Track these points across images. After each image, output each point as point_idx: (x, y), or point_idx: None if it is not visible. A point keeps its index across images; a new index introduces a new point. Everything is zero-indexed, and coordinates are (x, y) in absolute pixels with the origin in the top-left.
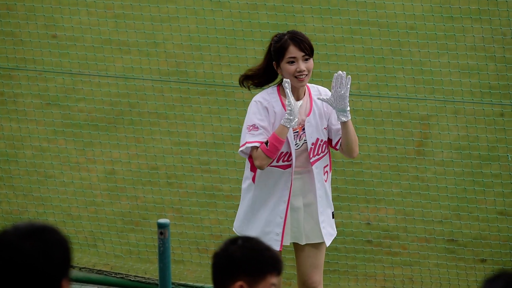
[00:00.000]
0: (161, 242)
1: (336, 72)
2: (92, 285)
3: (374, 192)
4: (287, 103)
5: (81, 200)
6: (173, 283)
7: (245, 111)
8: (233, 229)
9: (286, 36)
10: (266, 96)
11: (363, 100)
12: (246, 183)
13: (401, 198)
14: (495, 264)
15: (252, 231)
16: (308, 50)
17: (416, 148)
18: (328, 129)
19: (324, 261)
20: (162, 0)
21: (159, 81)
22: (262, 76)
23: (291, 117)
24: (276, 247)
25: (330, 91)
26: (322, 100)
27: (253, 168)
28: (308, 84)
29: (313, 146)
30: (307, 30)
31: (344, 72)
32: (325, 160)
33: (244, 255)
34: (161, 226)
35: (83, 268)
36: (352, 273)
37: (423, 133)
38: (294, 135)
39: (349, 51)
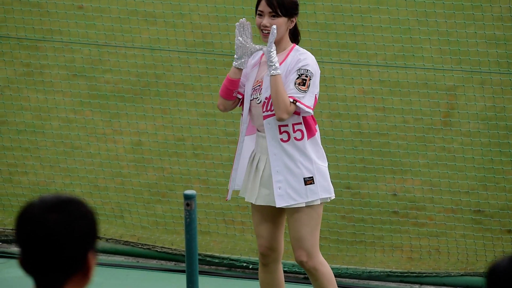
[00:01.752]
0: (188, 213)
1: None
2: (119, 256)
3: (401, 163)
4: (236, 42)
5: (107, 172)
6: (199, 254)
7: None
8: None
9: None
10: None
11: (389, 71)
12: None
13: (428, 169)
14: None
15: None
16: (275, 8)
17: (443, 119)
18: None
19: (351, 232)
20: None
21: (185, 52)
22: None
23: (236, 56)
24: (228, 196)
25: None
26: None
27: None
28: (298, 47)
29: (266, 100)
30: (333, 0)
31: (275, 27)
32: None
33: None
34: (188, 197)
35: (110, 239)
36: (379, 244)
37: (449, 104)
38: (256, 88)
39: (375, 21)
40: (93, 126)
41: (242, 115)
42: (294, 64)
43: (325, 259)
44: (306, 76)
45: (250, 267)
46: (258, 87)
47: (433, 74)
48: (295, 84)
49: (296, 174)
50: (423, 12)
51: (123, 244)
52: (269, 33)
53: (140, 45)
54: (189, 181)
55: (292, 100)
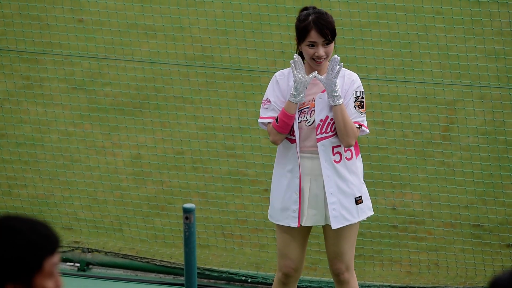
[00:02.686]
0: (187, 226)
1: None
2: (118, 269)
3: (400, 177)
4: (293, 78)
5: (107, 185)
6: (198, 268)
7: None
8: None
9: (310, 18)
10: (285, 71)
11: (389, 85)
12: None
13: (427, 183)
14: None
15: (274, 209)
16: (329, 36)
17: (442, 133)
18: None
19: None
20: None
21: (185, 65)
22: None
23: (295, 93)
24: (294, 224)
25: (352, 74)
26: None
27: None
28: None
29: (321, 123)
30: (333, 14)
31: (339, 57)
32: (337, 141)
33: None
34: (187, 211)
35: (108, 252)
36: (378, 258)
37: (449, 118)
38: (305, 110)
39: (375, 36)
40: (93, 139)
41: (288, 141)
42: (348, 86)
43: (324, 273)
44: (363, 98)
45: (249, 280)
46: (307, 109)
47: (432, 88)
48: (355, 107)
49: (348, 194)
50: (423, 26)
51: (122, 257)
52: (323, 61)
53: (140, 58)
54: (188, 194)
55: (357, 126)
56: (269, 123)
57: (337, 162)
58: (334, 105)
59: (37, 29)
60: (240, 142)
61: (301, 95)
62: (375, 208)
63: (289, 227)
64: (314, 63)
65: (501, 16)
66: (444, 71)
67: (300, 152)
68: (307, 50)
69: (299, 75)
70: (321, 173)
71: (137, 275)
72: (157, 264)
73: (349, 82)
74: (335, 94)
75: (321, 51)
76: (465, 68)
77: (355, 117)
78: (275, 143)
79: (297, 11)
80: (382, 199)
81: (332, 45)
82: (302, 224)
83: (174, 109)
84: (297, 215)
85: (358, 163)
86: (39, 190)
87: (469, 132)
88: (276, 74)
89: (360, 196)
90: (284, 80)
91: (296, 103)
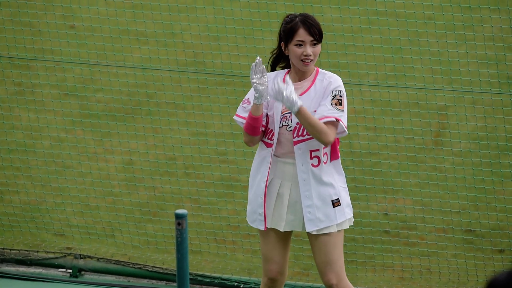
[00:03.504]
0: (179, 232)
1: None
2: (110, 275)
3: (392, 183)
4: (255, 81)
5: (99, 191)
6: (190, 274)
7: None
8: None
9: (297, 19)
10: (271, 74)
11: (381, 91)
12: None
13: (419, 188)
14: None
15: (247, 210)
16: (317, 35)
17: (434, 139)
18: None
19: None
20: None
21: (176, 71)
22: (281, 57)
23: (257, 95)
24: (260, 227)
25: (336, 79)
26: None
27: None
28: (322, 70)
29: (297, 126)
30: (324, 20)
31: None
32: (315, 145)
33: None
34: (179, 217)
35: (101, 258)
36: (370, 263)
37: (440, 123)
38: (286, 115)
39: (367, 41)
40: (85, 145)
41: (264, 144)
42: (326, 86)
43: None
44: (341, 97)
45: (242, 286)
46: (289, 114)
47: (424, 94)
48: (331, 104)
49: (325, 197)
50: (415, 32)
51: (114, 263)
52: (310, 61)
53: (132, 65)
54: (180, 200)
55: (334, 119)
56: (242, 123)
57: (314, 166)
58: (295, 113)
59: (29, 36)
60: (232, 148)
61: (262, 96)
62: (367, 214)
63: (270, 231)
64: (301, 65)
65: (493, 22)
66: (436, 77)
67: (280, 157)
68: (295, 51)
69: (255, 80)
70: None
71: (129, 281)
72: (149, 270)
73: (326, 83)
74: (288, 102)
75: (309, 50)
76: (457, 73)
77: (332, 113)
78: (247, 144)
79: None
80: (374, 204)
81: (319, 47)
82: (281, 230)
83: (166, 115)
84: (263, 218)
85: (334, 167)
86: (31, 196)
87: (461, 137)
88: None
89: (338, 198)
90: (268, 83)
91: (258, 105)
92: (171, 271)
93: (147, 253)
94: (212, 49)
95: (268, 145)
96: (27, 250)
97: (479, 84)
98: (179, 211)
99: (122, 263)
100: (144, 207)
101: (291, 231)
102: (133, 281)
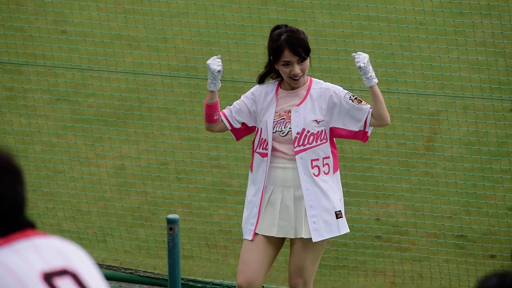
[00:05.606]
0: (171, 237)
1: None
2: None
3: (384, 188)
4: (210, 61)
5: (90, 196)
6: (182, 279)
7: None
8: None
9: (282, 37)
10: (264, 85)
11: None
12: None
13: (411, 193)
14: (504, 260)
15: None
16: (302, 53)
17: (426, 144)
18: (337, 122)
19: (334, 257)
20: None
21: (168, 76)
22: (272, 70)
23: (209, 80)
24: (248, 236)
25: (333, 84)
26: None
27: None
28: (316, 79)
29: (298, 136)
30: (316, 25)
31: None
32: (315, 154)
33: None
34: (171, 222)
35: None
36: (362, 268)
37: (432, 128)
38: (280, 121)
39: (358, 46)
40: (76, 150)
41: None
42: (323, 96)
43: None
44: (354, 95)
45: None
46: (282, 120)
47: (416, 99)
48: (358, 105)
49: (328, 208)
50: (406, 37)
51: (105, 268)
52: (299, 78)
53: (124, 69)
54: (172, 205)
55: (370, 109)
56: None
57: (316, 176)
58: (371, 86)
59: (20, 40)
60: (224, 153)
61: (214, 82)
62: (359, 219)
63: (256, 236)
64: (292, 81)
65: (484, 27)
66: (427, 82)
67: (271, 163)
68: (283, 70)
69: (208, 61)
70: (294, 185)
71: (121, 286)
72: (141, 275)
73: (322, 93)
74: (368, 75)
75: (296, 69)
76: (448, 78)
77: (365, 106)
78: (208, 130)
79: (281, 22)
80: (366, 209)
81: (308, 61)
82: (274, 235)
83: (158, 120)
84: (253, 228)
85: (335, 179)
86: None
87: (452, 142)
88: (256, 86)
89: (340, 210)
90: (261, 92)
91: (212, 92)
92: (162, 276)
93: (138, 258)
94: (204, 54)
95: (263, 155)
96: None
97: (471, 89)
98: (171, 216)
99: (114, 268)
100: (136, 212)
101: (281, 244)
102: (124, 286)
